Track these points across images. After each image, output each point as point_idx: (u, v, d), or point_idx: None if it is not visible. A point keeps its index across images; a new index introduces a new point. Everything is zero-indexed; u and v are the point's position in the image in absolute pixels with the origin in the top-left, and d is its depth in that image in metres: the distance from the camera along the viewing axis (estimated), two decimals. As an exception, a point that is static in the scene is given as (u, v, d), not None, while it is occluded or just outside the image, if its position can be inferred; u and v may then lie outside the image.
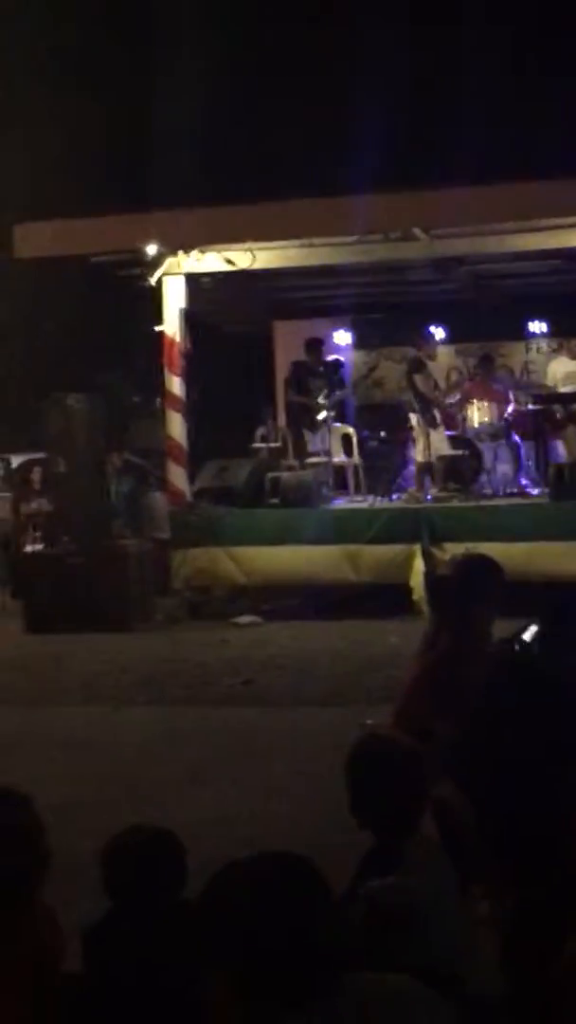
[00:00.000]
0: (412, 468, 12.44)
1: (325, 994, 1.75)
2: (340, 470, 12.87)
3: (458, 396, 12.86)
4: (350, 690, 8.13)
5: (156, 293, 11.90)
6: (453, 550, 9.86)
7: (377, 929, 2.65)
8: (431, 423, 12.04)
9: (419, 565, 10.77)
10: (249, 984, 1.75)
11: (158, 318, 11.98)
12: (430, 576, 10.31)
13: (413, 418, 12.08)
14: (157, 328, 11.99)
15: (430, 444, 11.94)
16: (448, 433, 12.49)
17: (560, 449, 13.06)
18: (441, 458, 12.26)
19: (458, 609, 4.47)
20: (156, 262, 11.68)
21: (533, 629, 4.43)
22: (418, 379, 12.11)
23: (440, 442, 12.23)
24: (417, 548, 10.85)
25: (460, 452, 12.32)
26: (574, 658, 3.83)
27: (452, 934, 2.75)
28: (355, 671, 8.69)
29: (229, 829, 5.23)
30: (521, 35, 14.40)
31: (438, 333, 13.88)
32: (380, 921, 2.67)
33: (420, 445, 11.95)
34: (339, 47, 15.81)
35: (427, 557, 10.76)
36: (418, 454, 12.06)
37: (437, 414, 12.22)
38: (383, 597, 10.74)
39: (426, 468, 12.16)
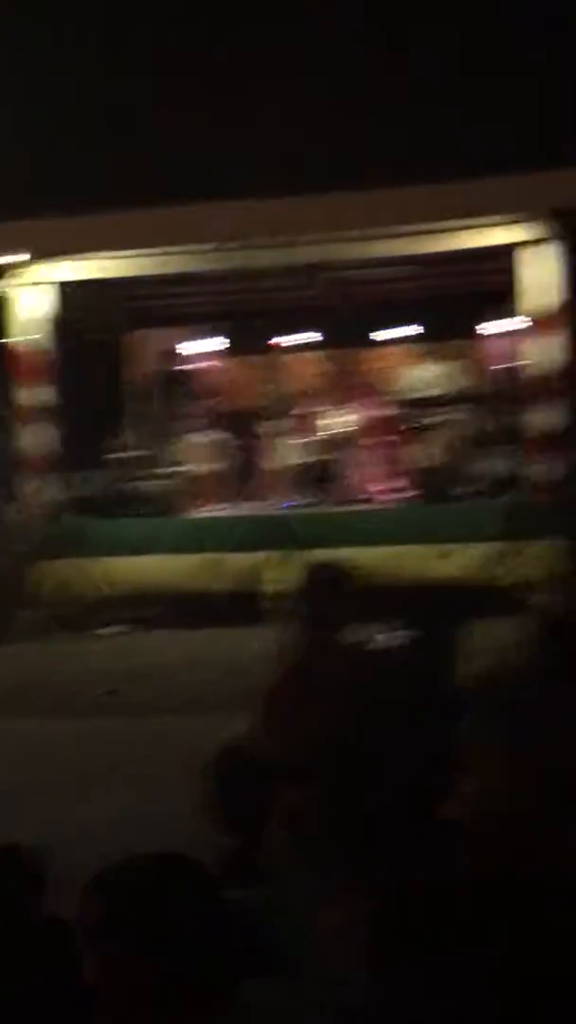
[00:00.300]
0: (273, 475, 12.49)
1: (221, 998, 1.74)
2: (202, 478, 12.84)
3: (320, 401, 12.95)
4: (213, 698, 8.19)
5: (7, 303, 11.76)
6: (314, 557, 9.90)
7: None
8: (289, 429, 12.10)
9: (279, 572, 10.80)
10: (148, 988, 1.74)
11: (10, 328, 11.83)
12: (290, 583, 10.34)
13: (272, 424, 12.13)
14: (9, 339, 11.84)
15: (289, 450, 11.99)
16: (309, 439, 12.56)
17: (426, 453, 13.27)
18: (302, 464, 12.34)
19: (315, 615, 4.51)
20: (6, 271, 11.54)
21: (398, 632, 4.48)
22: (275, 384, 12.17)
23: (300, 448, 12.32)
24: (278, 555, 10.89)
25: (322, 458, 12.41)
26: (437, 659, 3.89)
27: (307, 941, 2.76)
28: (218, 679, 8.75)
29: (99, 837, 5.17)
30: (366, 35, 14.44)
31: (299, 339, 13.98)
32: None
33: (279, 451, 12.00)
34: (195, 47, 15.75)
35: (287, 564, 10.79)
36: (277, 460, 12.11)
37: (296, 420, 12.30)
38: (244, 604, 10.77)
39: (287, 474, 12.22)
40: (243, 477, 12.57)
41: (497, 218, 10.83)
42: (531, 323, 10.80)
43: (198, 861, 1.90)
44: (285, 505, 11.86)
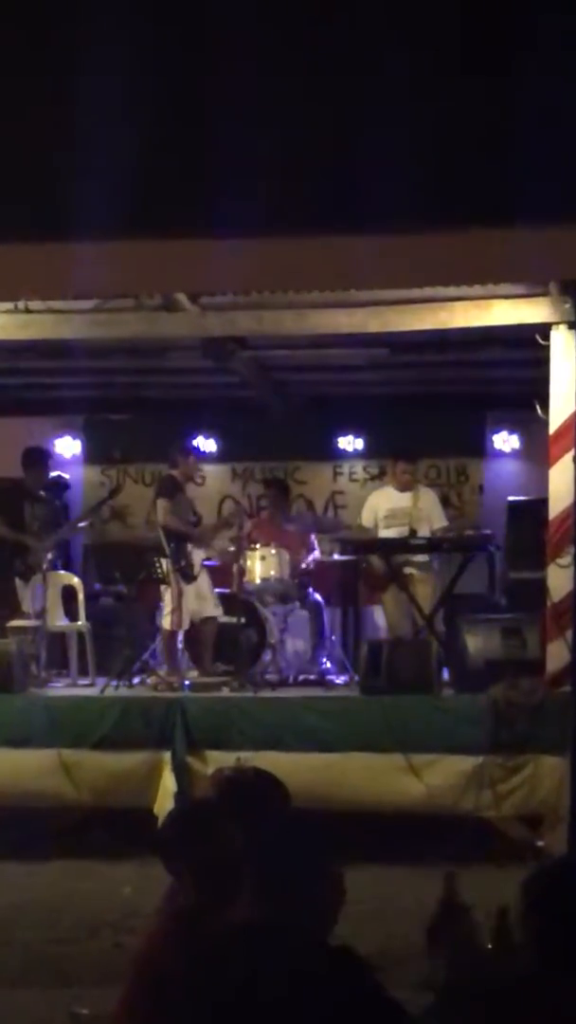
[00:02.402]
0: (169, 638, 12.47)
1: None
2: (59, 639, 12.76)
3: (234, 538, 13.02)
4: (62, 963, 8.14)
5: None
6: (219, 761, 9.85)
7: None
8: (185, 574, 12.13)
9: (168, 782, 10.71)
10: None
11: None
12: (182, 799, 10.27)
13: (164, 566, 12.15)
14: None
15: (185, 605, 12.00)
16: (218, 591, 12.60)
17: (378, 618, 13.33)
18: (206, 622, 12.34)
19: (221, 847, 4.48)
20: None
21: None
22: (166, 508, 12.24)
23: (203, 600, 12.33)
24: (166, 757, 10.80)
25: (234, 619, 12.42)
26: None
27: None
28: (71, 936, 8.71)
29: None
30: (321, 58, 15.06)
31: (207, 445, 14.10)
32: None
33: (170, 605, 12.00)
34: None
35: (180, 771, 10.71)
36: (167, 618, 12.10)
37: (196, 561, 12.33)
38: (116, 826, 10.68)
39: (183, 640, 12.19)
40: (127, 641, 12.52)
41: (507, 288, 11.12)
42: (552, 437, 11.03)
43: None
44: (185, 685, 11.81)
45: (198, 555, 12.43)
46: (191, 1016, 3.89)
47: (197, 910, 4.37)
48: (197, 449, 13.56)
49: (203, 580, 12.43)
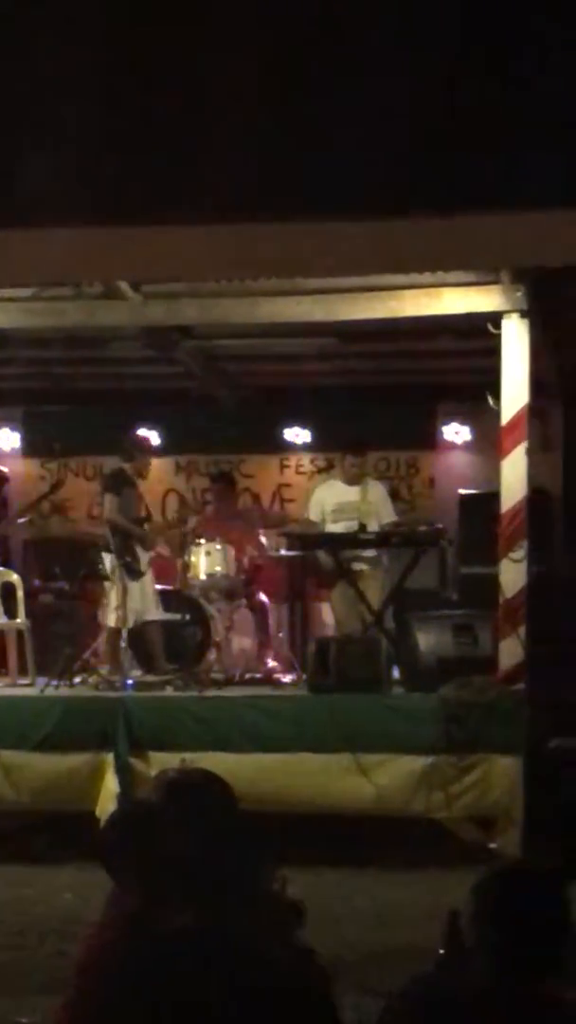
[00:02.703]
0: (111, 636, 12.45)
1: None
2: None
3: (179, 533, 13.03)
4: (3, 971, 8.08)
5: None
6: (163, 762, 9.86)
7: None
8: (132, 570, 12.12)
9: (110, 784, 10.71)
10: None
11: None
12: (125, 801, 10.26)
13: (108, 562, 12.15)
14: None
15: (129, 603, 11.99)
16: (160, 587, 12.60)
17: (325, 615, 13.36)
18: (149, 624, 12.34)
19: (163, 850, 4.48)
20: None
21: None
22: (114, 504, 12.22)
23: (147, 600, 12.32)
24: (109, 758, 10.79)
25: (178, 616, 12.43)
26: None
27: None
28: (12, 944, 8.65)
29: None
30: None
31: (151, 438, 14.07)
32: None
33: (115, 603, 12.00)
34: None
35: (123, 772, 10.71)
36: (111, 616, 12.10)
37: (142, 557, 12.33)
38: (57, 830, 10.68)
39: (126, 638, 12.19)
40: (68, 639, 12.51)
41: (458, 276, 11.17)
42: (504, 428, 11.07)
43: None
44: (127, 684, 11.80)
45: (145, 552, 12.41)
46: (135, 1024, 3.90)
47: (139, 915, 4.38)
48: (143, 441, 13.50)
49: (148, 579, 12.42)
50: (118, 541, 12.08)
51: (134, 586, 12.12)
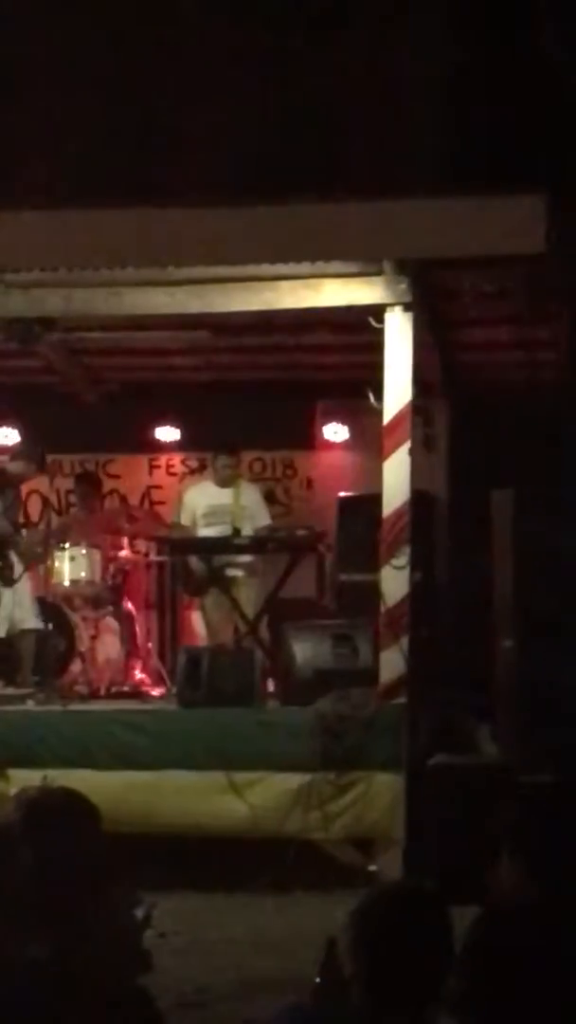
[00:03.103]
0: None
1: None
2: None
3: (38, 536, 12.91)
4: None
5: None
6: (23, 780, 9.75)
7: None
8: (4, 576, 12.01)
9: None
10: None
11: None
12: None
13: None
14: None
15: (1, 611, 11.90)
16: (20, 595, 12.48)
17: (197, 625, 13.29)
18: (25, 633, 12.17)
19: (9, 877, 4.41)
20: None
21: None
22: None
23: (22, 609, 12.15)
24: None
25: (40, 626, 12.31)
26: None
27: None
28: None
29: None
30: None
31: (9, 436, 13.91)
32: None
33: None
34: None
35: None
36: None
37: (16, 563, 12.17)
38: None
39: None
40: None
41: (338, 266, 11.14)
42: (385, 428, 11.05)
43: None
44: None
45: (20, 558, 12.26)
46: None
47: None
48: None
49: (23, 586, 12.26)
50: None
51: (5, 593, 11.99)
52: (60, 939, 3.84)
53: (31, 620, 12.28)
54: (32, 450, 12.75)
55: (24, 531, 12.44)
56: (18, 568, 12.14)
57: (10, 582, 12.04)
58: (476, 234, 10.36)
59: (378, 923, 3.76)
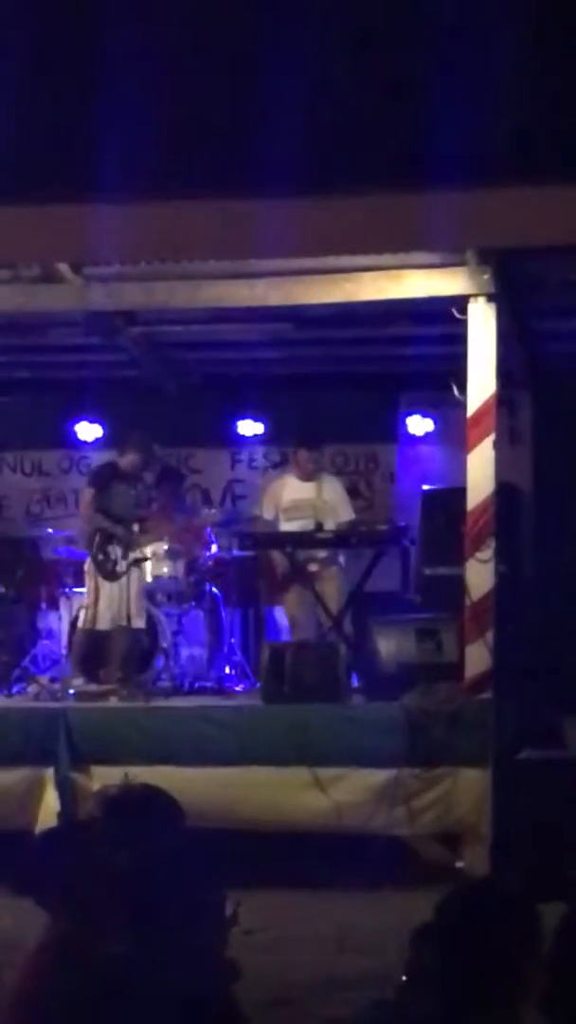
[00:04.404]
0: (51, 643, 12.40)
1: None
2: None
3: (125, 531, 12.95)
4: None
5: None
6: (105, 777, 9.81)
7: None
8: (104, 570, 12.04)
9: (51, 801, 10.65)
10: None
11: None
12: (66, 818, 10.21)
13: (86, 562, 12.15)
14: None
15: (100, 604, 11.95)
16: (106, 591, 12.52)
17: (281, 619, 13.31)
18: (121, 630, 12.13)
19: (95, 874, 4.45)
20: None
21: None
22: (91, 499, 12.23)
23: (127, 603, 12.09)
24: (49, 773, 10.74)
25: (128, 624, 12.34)
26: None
27: None
28: None
29: None
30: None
31: (91, 430, 13.98)
32: None
33: (85, 602, 11.97)
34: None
35: (63, 788, 10.65)
36: (82, 614, 12.05)
37: (121, 558, 12.13)
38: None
39: (85, 644, 12.13)
40: (7, 644, 12.46)
41: (420, 257, 11.12)
42: (470, 420, 11.01)
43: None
44: (69, 694, 11.74)
45: (127, 553, 12.22)
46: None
47: (69, 941, 4.32)
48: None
49: (131, 582, 12.20)
50: (93, 538, 12.05)
51: (110, 587, 12.02)
52: (140, 936, 3.87)
53: (137, 618, 12.28)
54: (142, 441, 12.76)
55: (135, 527, 12.37)
56: (122, 563, 12.12)
57: (113, 576, 12.04)
58: (561, 222, 10.29)
59: (464, 920, 3.76)
